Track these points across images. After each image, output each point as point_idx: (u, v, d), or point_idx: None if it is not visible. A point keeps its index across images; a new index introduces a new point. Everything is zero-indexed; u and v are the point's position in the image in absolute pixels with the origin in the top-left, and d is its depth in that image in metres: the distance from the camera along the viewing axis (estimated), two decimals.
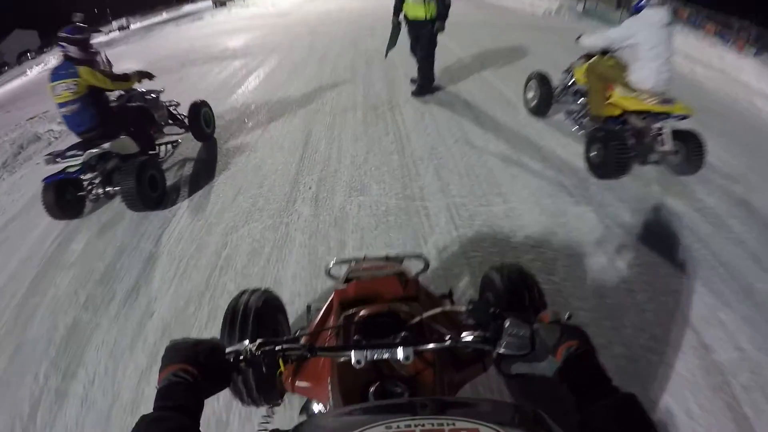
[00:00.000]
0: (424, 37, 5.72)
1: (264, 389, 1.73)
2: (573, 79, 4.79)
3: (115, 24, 29.30)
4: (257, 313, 1.78)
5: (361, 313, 1.24)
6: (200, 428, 0.81)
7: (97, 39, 23.65)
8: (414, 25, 5.70)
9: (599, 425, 0.77)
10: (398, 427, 0.66)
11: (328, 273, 1.91)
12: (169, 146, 5.00)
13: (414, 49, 6.02)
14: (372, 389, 1.03)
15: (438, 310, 1.17)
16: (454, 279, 2.92)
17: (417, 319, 1.18)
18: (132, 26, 28.41)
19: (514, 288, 1.80)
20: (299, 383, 1.24)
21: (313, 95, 6.86)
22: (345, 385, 1.05)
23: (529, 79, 5.40)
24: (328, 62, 8.82)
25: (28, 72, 19.24)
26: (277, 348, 1.00)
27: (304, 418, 1.25)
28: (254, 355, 0.98)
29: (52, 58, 19.86)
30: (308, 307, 2.09)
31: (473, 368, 1.26)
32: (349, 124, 5.65)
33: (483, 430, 0.64)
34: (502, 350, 0.96)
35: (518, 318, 0.98)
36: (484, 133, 5.06)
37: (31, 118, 8.48)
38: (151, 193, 4.10)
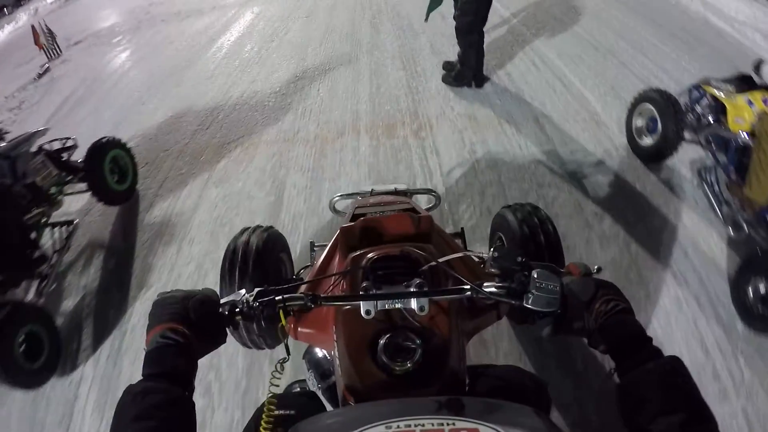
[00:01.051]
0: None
1: (265, 336, 1.63)
2: (715, 117, 2.67)
3: None
4: (258, 253, 1.68)
5: (370, 255, 1.09)
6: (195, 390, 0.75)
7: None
8: None
9: (643, 392, 0.73)
10: (398, 427, 0.64)
11: (333, 208, 1.92)
12: (61, 231, 2.97)
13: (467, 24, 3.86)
14: (382, 342, 0.92)
15: (457, 255, 1.11)
16: None
17: (433, 263, 1.05)
18: None
19: (530, 230, 1.69)
20: (302, 330, 1.13)
21: (290, 95, 4.49)
22: (352, 336, 0.96)
23: (639, 101, 3.10)
24: (318, 26, 6.34)
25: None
26: (277, 298, 0.93)
27: (306, 364, 1.25)
28: (252, 307, 0.92)
29: (23, 14, 17.98)
30: (311, 244, 2.00)
31: (488, 316, 1.15)
32: (346, 172, 3.37)
33: (483, 430, 0.63)
34: (529, 305, 0.88)
35: (547, 269, 0.90)
36: (572, 199, 2.93)
37: None
38: (31, 364, 2.31)
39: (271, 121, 4.03)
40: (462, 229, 1.94)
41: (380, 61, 4.85)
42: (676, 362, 0.75)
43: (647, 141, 3.06)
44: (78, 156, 3.21)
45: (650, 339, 0.81)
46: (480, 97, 4.00)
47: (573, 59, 4.44)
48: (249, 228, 1.85)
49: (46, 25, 8.96)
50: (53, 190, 2.95)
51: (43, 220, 2.85)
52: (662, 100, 2.86)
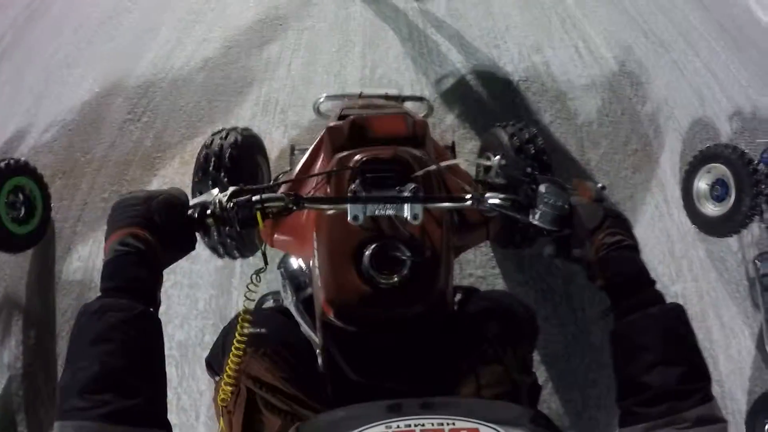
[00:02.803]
0: None
1: (239, 243, 1.58)
2: None
3: None
4: (233, 155, 1.60)
5: (359, 156, 1.00)
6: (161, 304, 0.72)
7: None
8: None
9: (642, 338, 0.71)
10: (398, 426, 0.63)
11: (317, 110, 1.84)
12: None
13: None
14: (368, 252, 0.87)
15: (457, 161, 1.17)
16: None
17: (430, 168, 0.98)
18: None
19: (523, 151, 1.67)
20: (279, 236, 1.08)
21: (251, 69, 3.20)
22: (335, 244, 0.91)
23: (706, 159, 2.51)
24: None
25: None
26: (254, 198, 0.83)
27: (281, 274, 1.21)
28: (225, 209, 0.81)
29: None
30: (292, 148, 1.88)
31: (478, 233, 1.14)
32: None
33: (483, 430, 0.62)
34: (535, 221, 0.84)
35: (555, 185, 0.84)
36: None
37: None
38: None
39: (219, 114, 2.83)
40: (453, 142, 1.87)
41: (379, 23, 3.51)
42: (679, 310, 0.73)
43: (712, 210, 2.50)
44: None
45: (653, 282, 0.77)
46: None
47: (622, 49, 3.52)
48: (223, 129, 1.74)
49: None
50: None
51: None
52: (740, 163, 2.31)
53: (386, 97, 1.73)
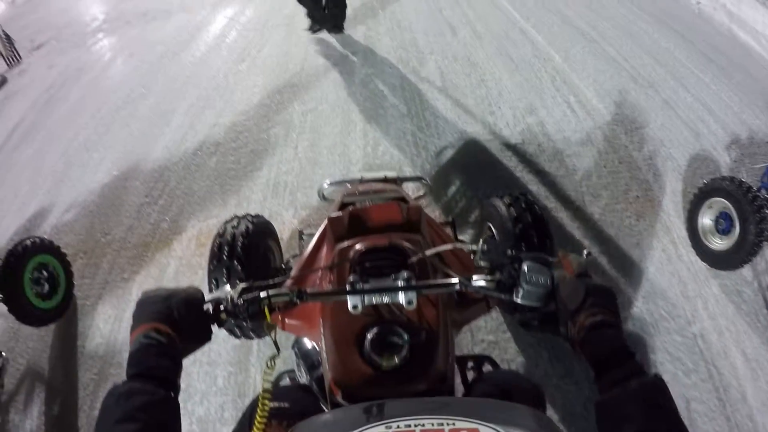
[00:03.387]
0: None
1: (253, 329, 1.60)
2: None
3: None
4: (245, 243, 1.68)
5: (358, 247, 1.10)
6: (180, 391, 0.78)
7: None
8: None
9: (624, 410, 0.72)
10: (398, 427, 0.65)
11: (322, 195, 1.95)
12: None
13: None
14: (369, 336, 0.93)
15: (446, 247, 1.12)
16: None
17: (420, 256, 1.05)
18: None
19: (521, 220, 1.70)
20: (290, 321, 1.15)
21: (260, 153, 3.40)
22: (339, 330, 0.97)
23: (708, 194, 2.45)
24: (301, 36, 5.09)
25: None
26: (261, 295, 0.93)
27: (295, 353, 1.26)
28: (236, 305, 0.92)
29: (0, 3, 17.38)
30: (300, 233, 2.00)
31: (478, 307, 1.18)
32: None
33: (483, 430, 0.63)
34: (519, 300, 0.89)
35: (537, 261, 0.89)
36: None
37: None
38: None
39: (232, 197, 3.01)
40: (453, 219, 1.91)
41: (378, 101, 3.73)
42: (658, 381, 0.75)
43: (719, 244, 2.42)
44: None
45: (633, 354, 0.79)
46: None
47: (613, 98, 3.59)
48: (235, 217, 1.81)
49: (2, 30, 7.98)
50: None
51: None
52: (739, 193, 2.26)
53: (385, 179, 1.82)
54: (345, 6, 4.60)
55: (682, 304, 2.30)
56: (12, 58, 8.00)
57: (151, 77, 5.03)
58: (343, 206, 1.42)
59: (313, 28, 4.73)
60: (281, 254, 2.07)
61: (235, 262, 1.62)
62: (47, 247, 2.61)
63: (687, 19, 4.82)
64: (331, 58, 4.46)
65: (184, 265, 2.72)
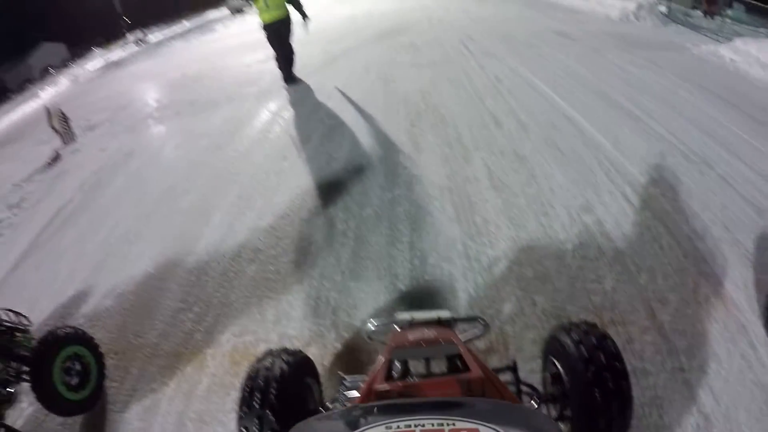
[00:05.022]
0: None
1: None
2: None
3: (131, 37, 27.69)
4: (281, 381, 1.59)
5: None
6: None
7: (108, 56, 22.92)
8: None
9: None
10: (398, 427, 0.65)
11: (368, 336, 1.86)
12: None
13: None
14: None
15: None
16: None
17: None
18: (150, 38, 26.88)
19: (594, 362, 1.49)
20: None
21: (300, 264, 3.26)
22: None
23: None
24: (347, 137, 5.33)
25: (41, 94, 18.09)
26: None
27: None
28: None
29: (65, 79, 19.10)
30: (341, 379, 1.80)
31: None
32: None
33: (483, 430, 0.63)
34: None
35: None
36: None
37: None
38: None
39: (270, 312, 2.87)
40: (514, 362, 1.71)
41: (425, 206, 3.65)
42: None
43: None
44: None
45: None
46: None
47: (668, 182, 3.36)
48: (269, 355, 1.74)
49: (59, 109, 8.54)
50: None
51: None
52: None
53: (439, 321, 1.68)
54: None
55: None
56: (67, 136, 8.49)
57: (195, 170, 5.17)
58: (389, 362, 1.33)
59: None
60: (320, 390, 1.94)
61: (268, 412, 1.54)
62: (82, 339, 2.61)
63: (724, 80, 4.80)
64: (374, 158, 4.47)
65: (216, 384, 2.56)
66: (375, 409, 0.74)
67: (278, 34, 6.69)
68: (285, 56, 7.08)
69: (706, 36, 7.50)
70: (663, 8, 9.70)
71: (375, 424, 0.66)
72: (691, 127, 4.07)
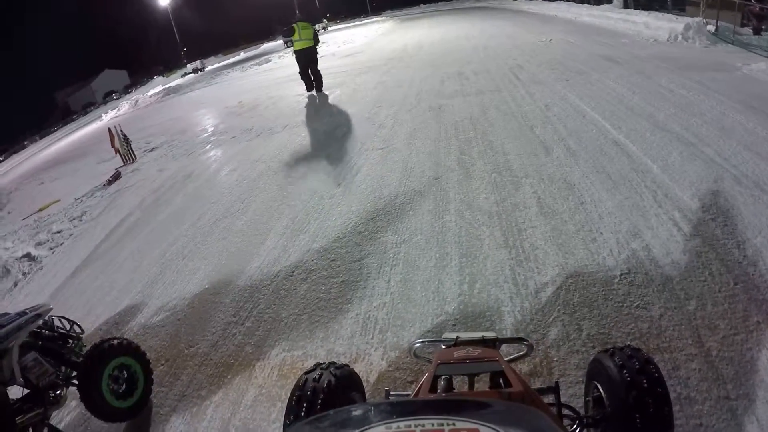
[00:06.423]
0: None
1: None
2: None
3: (190, 66, 29.24)
4: (327, 392, 1.61)
5: None
6: None
7: (168, 83, 24.22)
8: None
9: None
10: (398, 427, 0.64)
11: (413, 354, 1.87)
12: None
13: None
14: None
15: None
16: None
17: None
18: (208, 67, 28.31)
19: (635, 387, 1.48)
20: None
21: (350, 286, 3.28)
22: None
23: None
24: (394, 164, 5.42)
25: (103, 117, 19.34)
26: None
27: None
28: None
29: (125, 104, 20.16)
30: (386, 393, 1.84)
31: None
32: None
33: (483, 430, 0.63)
34: None
35: None
36: None
37: (27, 217, 6.64)
38: None
39: (319, 330, 2.93)
40: (557, 383, 1.69)
41: (474, 231, 3.65)
42: None
43: None
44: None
45: None
46: None
47: (719, 207, 3.26)
48: (317, 367, 1.75)
49: (121, 131, 9.07)
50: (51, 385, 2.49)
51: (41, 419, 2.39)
52: None
53: (483, 340, 1.71)
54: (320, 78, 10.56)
55: None
56: (128, 157, 9.01)
57: (250, 194, 5.36)
58: (435, 378, 1.37)
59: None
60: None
61: (316, 411, 1.59)
62: (131, 350, 2.68)
63: None
64: (424, 184, 4.54)
65: (263, 395, 2.61)
66: (375, 409, 0.74)
67: (307, 57, 10.47)
68: (315, 76, 10.71)
69: (757, 54, 7.37)
70: (711, 27, 9.63)
71: (375, 424, 0.66)
72: (741, 149, 3.99)
